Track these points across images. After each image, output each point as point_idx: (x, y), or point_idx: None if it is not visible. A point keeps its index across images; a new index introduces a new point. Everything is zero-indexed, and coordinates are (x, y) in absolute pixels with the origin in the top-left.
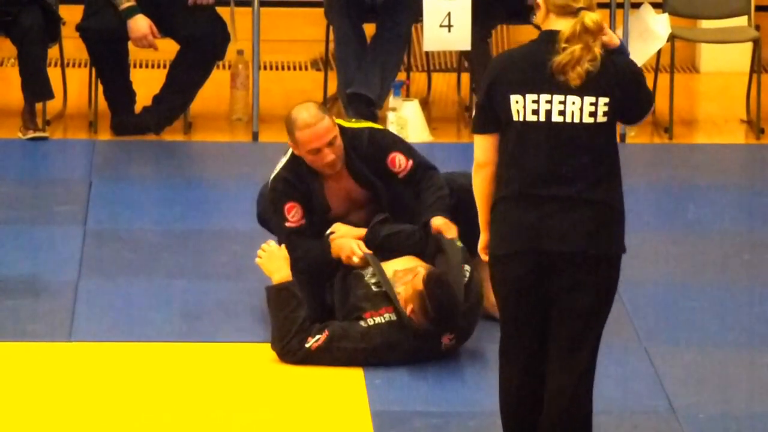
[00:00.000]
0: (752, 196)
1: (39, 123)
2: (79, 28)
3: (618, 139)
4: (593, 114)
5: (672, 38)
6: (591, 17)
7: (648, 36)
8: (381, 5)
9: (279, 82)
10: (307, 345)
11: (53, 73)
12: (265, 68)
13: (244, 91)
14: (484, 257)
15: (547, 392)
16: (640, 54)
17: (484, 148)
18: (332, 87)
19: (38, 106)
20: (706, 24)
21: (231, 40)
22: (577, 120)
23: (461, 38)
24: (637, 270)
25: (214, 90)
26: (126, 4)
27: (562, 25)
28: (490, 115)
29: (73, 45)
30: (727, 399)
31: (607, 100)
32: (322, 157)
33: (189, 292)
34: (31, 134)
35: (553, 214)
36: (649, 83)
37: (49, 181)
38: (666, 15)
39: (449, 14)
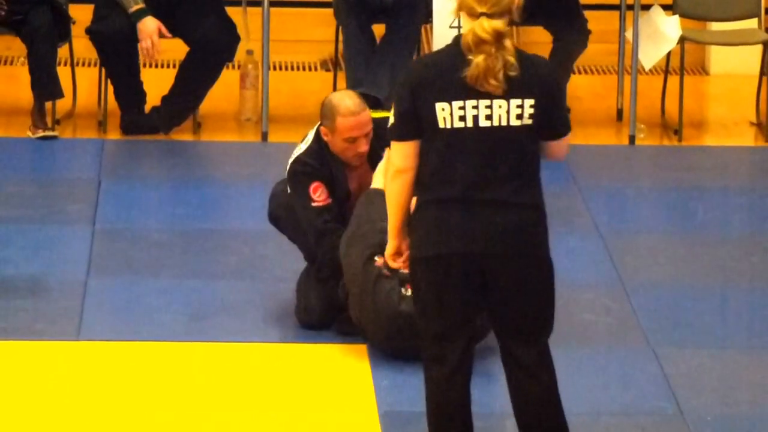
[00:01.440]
0: (761, 199)
1: (48, 122)
2: (89, 31)
3: (627, 141)
4: (520, 116)
5: (682, 40)
6: (483, 26)
7: (658, 38)
8: (390, 6)
9: (288, 82)
10: (376, 257)
11: (63, 73)
12: (274, 68)
13: (253, 91)
14: (392, 264)
15: (515, 393)
16: (650, 56)
17: (404, 154)
18: (341, 87)
19: (48, 105)
20: (716, 26)
21: (242, 40)
22: (504, 123)
23: None
24: (645, 272)
25: (224, 90)
26: (135, 7)
27: (467, 29)
28: (411, 121)
29: (82, 44)
30: (734, 401)
31: (532, 101)
32: (356, 147)
33: (197, 291)
34: (40, 133)
35: (483, 216)
36: (659, 85)
37: (58, 180)
38: (676, 17)
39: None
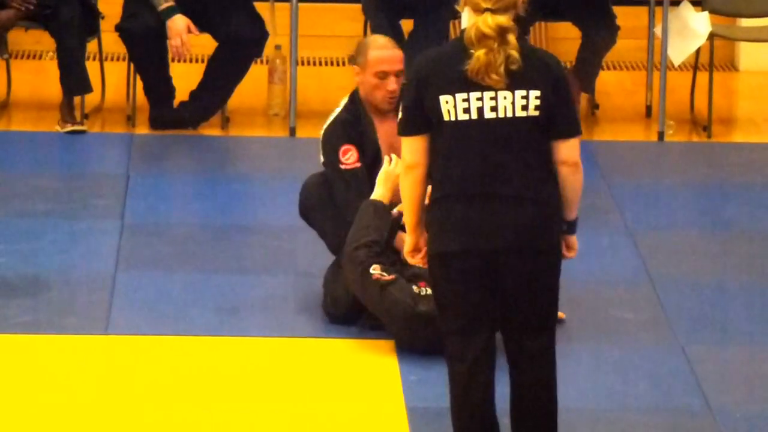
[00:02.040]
0: None
1: (77, 116)
2: (118, 28)
3: (656, 138)
4: (525, 107)
5: (711, 36)
6: (487, 21)
7: (687, 34)
8: (419, 1)
9: (316, 77)
10: (371, 270)
11: (92, 67)
12: (302, 63)
13: (281, 86)
14: (411, 261)
15: (515, 385)
16: (680, 52)
17: (413, 149)
18: None
19: (76, 99)
20: (745, 22)
21: (270, 36)
22: (510, 114)
23: None
24: (673, 268)
25: (252, 85)
26: (165, 5)
27: (470, 24)
28: (418, 116)
29: (111, 39)
30: (763, 398)
31: (538, 93)
32: (386, 84)
33: (225, 286)
34: (69, 127)
35: (496, 210)
36: (688, 82)
37: (86, 175)
38: (706, 13)
39: None
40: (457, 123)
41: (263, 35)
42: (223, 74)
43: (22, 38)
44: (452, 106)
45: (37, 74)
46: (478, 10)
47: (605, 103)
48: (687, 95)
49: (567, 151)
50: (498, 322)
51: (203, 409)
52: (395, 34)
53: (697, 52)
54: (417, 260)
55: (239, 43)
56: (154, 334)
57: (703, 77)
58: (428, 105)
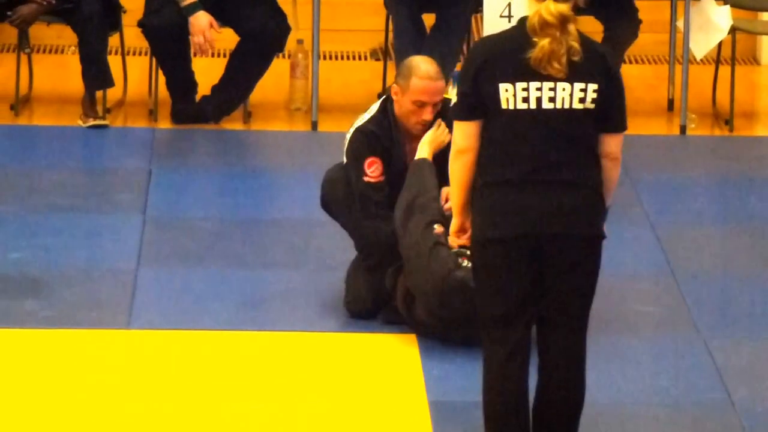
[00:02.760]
0: None
1: (99, 111)
2: (141, 24)
3: (678, 131)
4: (583, 100)
5: (733, 30)
6: (549, 9)
7: (709, 28)
8: None
9: (338, 71)
10: (435, 225)
11: (113, 61)
12: (324, 58)
13: (303, 81)
14: (456, 241)
15: (546, 374)
16: (702, 46)
17: (466, 134)
18: (391, 77)
19: (98, 94)
20: (767, 16)
21: (292, 30)
22: (567, 106)
23: None
24: (696, 262)
25: (274, 79)
26: (187, 1)
27: (533, 11)
28: (475, 102)
29: (133, 33)
30: None
31: (596, 86)
32: (422, 113)
33: (247, 281)
34: (91, 122)
35: (547, 198)
36: (710, 75)
37: (109, 169)
38: (727, 7)
39: (509, 4)
40: (515, 112)
41: (285, 29)
42: (245, 69)
43: (44, 33)
44: (511, 95)
45: (59, 69)
46: None
47: (627, 96)
48: (709, 89)
49: (613, 145)
50: (536, 314)
51: (225, 403)
52: (417, 28)
53: (719, 45)
54: (462, 240)
55: (261, 38)
56: (176, 328)
57: (725, 71)
58: (486, 92)
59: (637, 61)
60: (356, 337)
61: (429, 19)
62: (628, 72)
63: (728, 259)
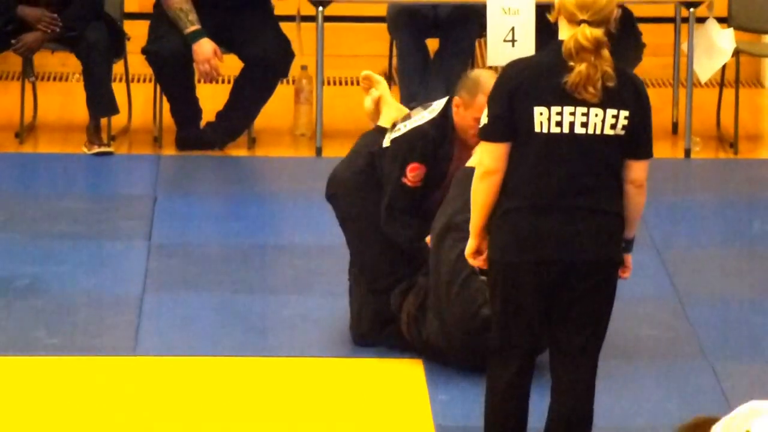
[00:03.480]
0: None
1: (104, 138)
2: (144, 51)
3: (683, 155)
4: (614, 126)
5: (737, 53)
6: (585, 34)
7: (713, 51)
8: (444, 20)
9: (343, 97)
10: None
11: (118, 89)
12: (328, 83)
13: (307, 106)
14: (472, 262)
15: (557, 398)
16: (706, 69)
17: (495, 156)
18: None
19: (103, 121)
20: None
21: (296, 56)
22: (599, 132)
23: (525, 53)
24: (701, 286)
25: (278, 105)
26: (191, 28)
27: (567, 35)
28: (506, 123)
29: (138, 61)
30: None
31: (627, 113)
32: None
33: (253, 306)
34: (96, 149)
35: (574, 223)
36: (714, 98)
37: (113, 196)
38: (731, 30)
39: (513, 29)
40: (548, 135)
41: (289, 55)
42: (250, 95)
43: (48, 60)
44: (546, 118)
45: (63, 96)
46: (574, 22)
47: None
48: (713, 112)
49: (639, 171)
50: (545, 340)
51: (231, 430)
52: (421, 53)
53: (723, 68)
54: (478, 262)
55: (265, 64)
56: (182, 354)
57: (729, 94)
58: (519, 114)
59: None
60: (362, 362)
61: (433, 44)
62: None
63: (734, 282)
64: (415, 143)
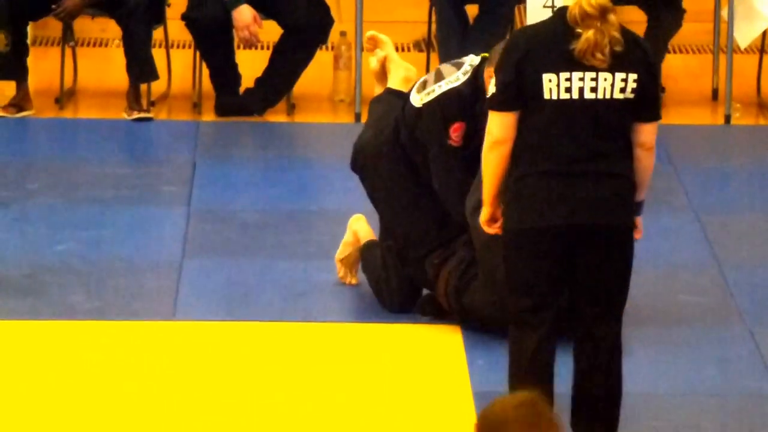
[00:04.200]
0: None
1: (144, 104)
2: (184, 17)
3: (723, 121)
4: (623, 90)
5: None
6: (589, 0)
7: (753, 17)
8: None
9: None
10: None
11: (157, 55)
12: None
13: (346, 72)
14: (488, 230)
15: (581, 364)
16: (746, 35)
17: (504, 125)
18: (434, 67)
19: (143, 87)
20: None
21: (335, 22)
22: (608, 96)
23: None
24: (741, 252)
25: (317, 71)
26: None
27: (572, 2)
28: (515, 92)
29: (177, 27)
30: None
31: (636, 76)
32: None
33: (292, 271)
34: (135, 115)
35: (587, 188)
36: (754, 64)
37: (153, 162)
38: None
39: None
40: (558, 102)
41: (328, 22)
42: (289, 61)
43: (88, 26)
44: (555, 85)
45: (103, 62)
46: None
47: (671, 86)
48: (754, 78)
49: (648, 134)
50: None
51: (272, 394)
52: (460, 20)
53: (764, 34)
54: (494, 229)
55: (304, 30)
56: (221, 319)
57: None
58: (528, 81)
59: (681, 51)
60: (400, 328)
61: (472, 10)
62: (672, 62)
63: None
64: (453, 103)
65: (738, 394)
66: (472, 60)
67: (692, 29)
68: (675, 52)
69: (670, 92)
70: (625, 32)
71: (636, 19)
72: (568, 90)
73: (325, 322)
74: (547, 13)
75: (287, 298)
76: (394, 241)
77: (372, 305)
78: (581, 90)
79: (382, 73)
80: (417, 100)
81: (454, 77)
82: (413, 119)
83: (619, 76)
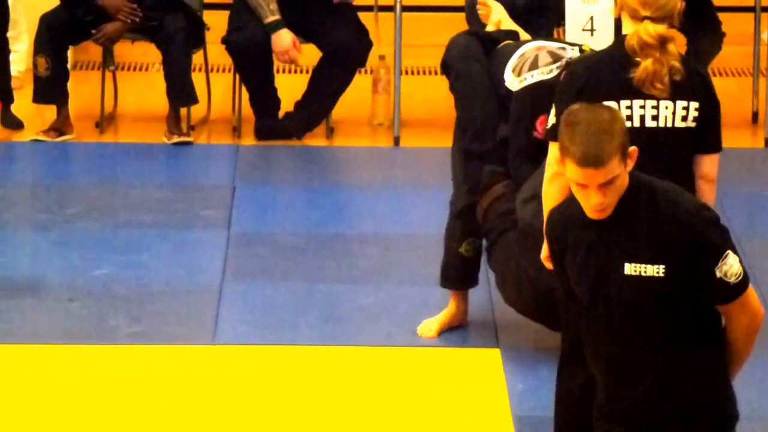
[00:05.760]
0: None
1: (183, 128)
2: (225, 41)
3: (763, 144)
4: (685, 118)
5: None
6: (648, 30)
7: None
8: (522, 8)
9: (420, 86)
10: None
11: (197, 78)
12: (406, 73)
13: (385, 96)
14: (548, 265)
15: None
16: None
17: None
18: None
19: (183, 111)
20: None
21: (374, 45)
22: (669, 124)
23: (604, 42)
24: None
25: (356, 95)
26: (271, 18)
27: (630, 31)
28: None
29: (217, 50)
30: None
31: (697, 104)
32: None
33: (331, 295)
34: (175, 139)
35: None
36: None
37: (193, 186)
38: None
39: (592, 18)
40: None
41: (367, 45)
42: (328, 84)
43: (128, 50)
44: None
45: (143, 86)
46: (637, 18)
47: None
48: None
49: (710, 166)
50: None
51: (311, 418)
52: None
53: None
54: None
55: (343, 54)
56: (261, 343)
57: None
58: None
59: (720, 74)
60: (440, 351)
61: None
62: None
63: None
64: (542, 98)
65: None
66: (573, 52)
67: (732, 52)
68: (715, 74)
69: None
70: (686, 61)
71: (676, 43)
72: (629, 118)
73: (364, 346)
74: (587, 36)
75: (326, 321)
76: (467, 131)
77: (411, 330)
78: (642, 118)
79: None
80: (512, 83)
81: (548, 69)
82: (505, 98)
83: (681, 104)
